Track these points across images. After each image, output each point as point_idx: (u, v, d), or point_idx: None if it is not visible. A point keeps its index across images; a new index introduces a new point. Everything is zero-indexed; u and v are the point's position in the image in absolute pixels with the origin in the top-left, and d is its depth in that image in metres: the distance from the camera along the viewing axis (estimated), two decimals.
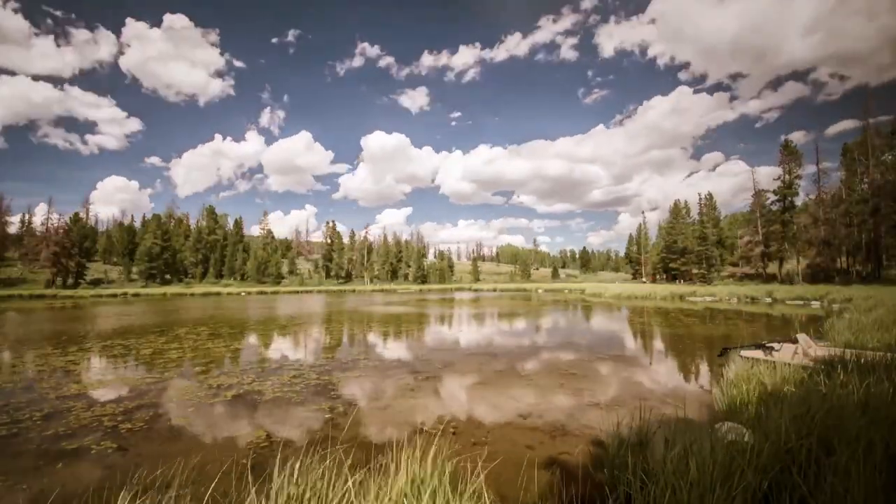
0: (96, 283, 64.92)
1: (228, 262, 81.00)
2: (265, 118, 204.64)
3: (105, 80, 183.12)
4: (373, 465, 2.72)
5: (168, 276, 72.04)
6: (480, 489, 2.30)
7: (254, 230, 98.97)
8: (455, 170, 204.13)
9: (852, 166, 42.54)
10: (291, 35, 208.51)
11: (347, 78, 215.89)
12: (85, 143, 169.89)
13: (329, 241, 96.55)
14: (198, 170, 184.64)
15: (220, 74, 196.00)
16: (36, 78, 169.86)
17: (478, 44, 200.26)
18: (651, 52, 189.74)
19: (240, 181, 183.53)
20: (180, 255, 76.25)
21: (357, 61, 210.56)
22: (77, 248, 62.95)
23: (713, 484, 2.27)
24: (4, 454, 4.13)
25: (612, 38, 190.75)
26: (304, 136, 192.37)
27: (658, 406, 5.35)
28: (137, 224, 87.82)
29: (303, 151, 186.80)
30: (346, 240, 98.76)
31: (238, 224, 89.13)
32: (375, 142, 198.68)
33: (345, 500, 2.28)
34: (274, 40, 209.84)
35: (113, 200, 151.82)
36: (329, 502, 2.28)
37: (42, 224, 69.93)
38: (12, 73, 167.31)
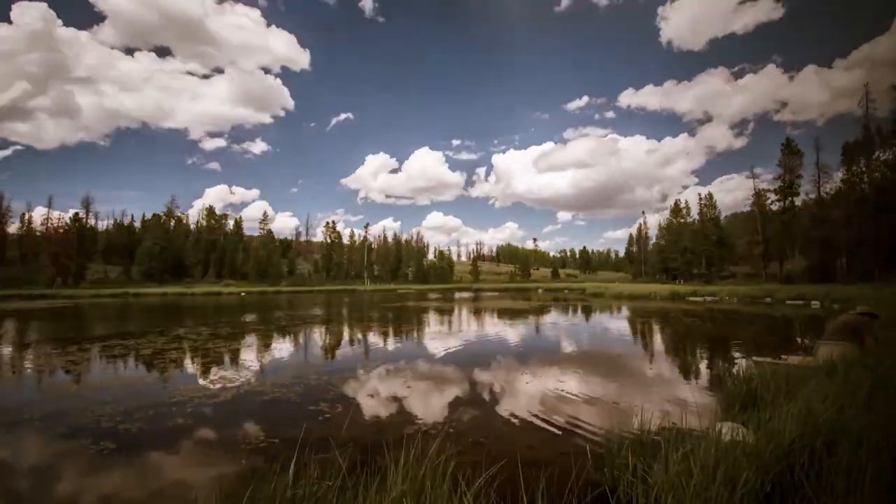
0: (96, 283, 64.94)
1: (228, 261, 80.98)
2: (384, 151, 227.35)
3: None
4: (372, 465, 2.70)
5: (168, 276, 72.05)
6: (480, 490, 2.28)
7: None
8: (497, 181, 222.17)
9: (852, 166, 42.49)
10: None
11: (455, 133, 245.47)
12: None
13: (329, 240, 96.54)
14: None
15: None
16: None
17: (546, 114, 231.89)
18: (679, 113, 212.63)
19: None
20: (180, 255, 76.26)
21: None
22: (77, 247, 62.96)
23: (715, 485, 2.25)
24: None
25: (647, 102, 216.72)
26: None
27: (659, 406, 5.33)
28: (137, 224, 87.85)
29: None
30: (346, 240, 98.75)
31: (238, 224, 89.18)
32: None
33: (344, 502, 2.26)
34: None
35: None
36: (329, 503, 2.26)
37: (42, 224, 69.98)
38: None
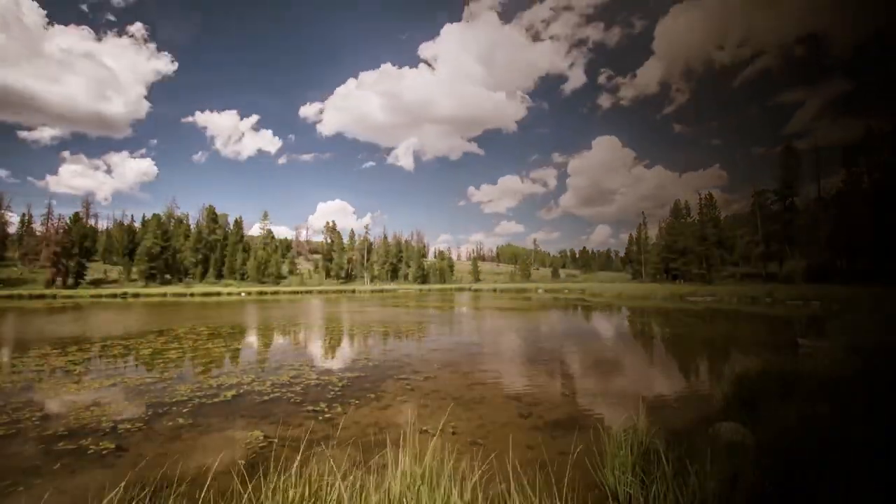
0: (96, 283, 64.87)
1: (228, 261, 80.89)
2: None
3: None
4: (372, 464, 2.71)
5: (168, 276, 72.00)
6: (479, 489, 2.28)
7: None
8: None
9: (852, 166, 42.50)
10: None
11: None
12: None
13: (329, 240, 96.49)
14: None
15: None
16: None
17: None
18: None
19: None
20: (180, 255, 76.14)
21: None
22: (77, 247, 62.86)
23: (714, 484, 2.25)
24: None
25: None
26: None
27: (659, 406, 5.34)
28: (137, 224, 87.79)
29: None
30: (345, 240, 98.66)
31: (238, 224, 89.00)
32: None
33: (344, 500, 2.26)
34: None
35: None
36: (328, 502, 2.26)
37: (42, 224, 69.95)
38: None
